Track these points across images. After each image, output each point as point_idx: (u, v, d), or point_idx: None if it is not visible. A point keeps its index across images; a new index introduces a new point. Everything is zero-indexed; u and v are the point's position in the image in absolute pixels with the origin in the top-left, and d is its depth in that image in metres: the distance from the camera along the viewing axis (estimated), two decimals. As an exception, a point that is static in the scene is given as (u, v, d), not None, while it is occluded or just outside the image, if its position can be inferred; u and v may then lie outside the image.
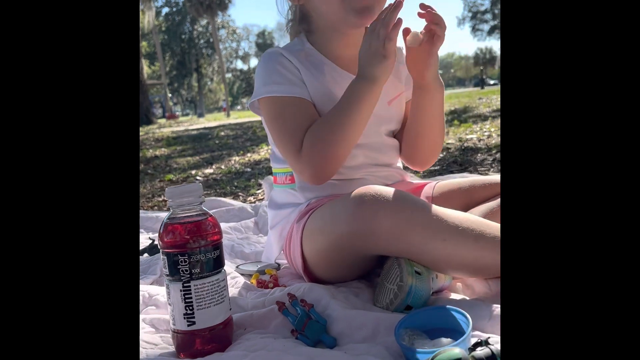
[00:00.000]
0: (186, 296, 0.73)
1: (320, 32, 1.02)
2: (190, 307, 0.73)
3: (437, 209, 0.82)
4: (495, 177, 1.05)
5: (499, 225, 0.83)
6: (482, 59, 59.01)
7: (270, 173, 2.66)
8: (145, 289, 0.99)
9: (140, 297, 0.97)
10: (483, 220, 0.84)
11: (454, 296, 0.85)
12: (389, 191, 0.81)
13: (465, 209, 1.03)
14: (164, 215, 1.80)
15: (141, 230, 1.66)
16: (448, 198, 1.06)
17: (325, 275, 0.95)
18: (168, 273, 0.74)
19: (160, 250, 0.76)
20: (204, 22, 36.38)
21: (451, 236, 0.80)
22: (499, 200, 0.98)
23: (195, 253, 0.73)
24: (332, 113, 0.92)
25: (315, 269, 0.95)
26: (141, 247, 1.39)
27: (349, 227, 0.82)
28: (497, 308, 0.75)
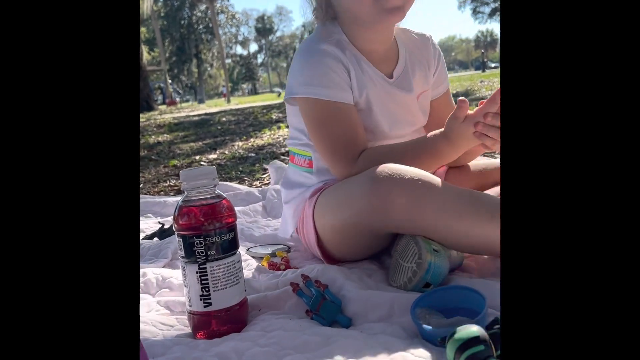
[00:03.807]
0: (202, 278, 0.74)
1: (348, 25, 0.98)
2: (207, 289, 0.74)
3: (452, 186, 0.83)
4: None
5: None
6: (483, 41, 58.63)
7: (275, 158, 2.67)
8: (159, 272, 1.00)
9: (154, 280, 0.97)
10: (498, 198, 0.84)
11: (469, 275, 0.86)
12: (403, 169, 0.82)
13: (480, 189, 1.03)
14: (171, 200, 1.81)
15: (149, 215, 1.67)
16: (461, 182, 1.07)
17: (337, 252, 0.95)
18: (184, 255, 0.75)
19: (176, 233, 0.76)
20: (202, 7, 36.07)
21: (466, 212, 0.80)
22: None
23: (211, 235, 0.73)
24: (402, 151, 0.92)
25: (328, 246, 0.95)
26: (151, 231, 1.40)
27: (364, 203, 0.82)
28: (511, 287, 0.75)
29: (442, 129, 0.91)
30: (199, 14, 40.03)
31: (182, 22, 40.42)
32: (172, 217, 1.43)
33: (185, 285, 0.76)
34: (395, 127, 1.01)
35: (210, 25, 37.41)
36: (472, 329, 0.59)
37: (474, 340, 0.58)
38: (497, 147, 0.87)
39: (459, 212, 0.80)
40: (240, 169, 2.61)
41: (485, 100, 0.85)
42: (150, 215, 1.66)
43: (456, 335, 0.59)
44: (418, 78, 1.04)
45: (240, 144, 3.76)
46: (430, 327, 0.67)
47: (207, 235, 0.73)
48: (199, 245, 0.73)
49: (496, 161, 1.07)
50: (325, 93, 0.92)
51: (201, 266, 0.74)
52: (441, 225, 0.81)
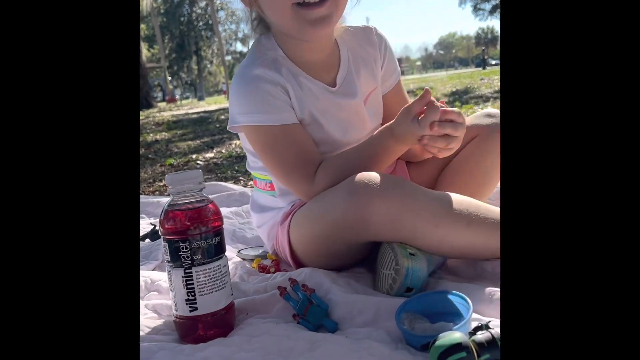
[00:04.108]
0: (188, 282, 0.74)
1: (281, 38, 0.95)
2: (192, 293, 0.74)
3: (429, 193, 0.83)
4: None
5: (491, 207, 0.85)
6: (484, 39, 58.58)
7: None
8: (148, 274, 1.00)
9: (143, 283, 0.97)
10: (475, 202, 0.85)
11: (454, 280, 0.86)
12: (380, 178, 0.81)
13: (443, 163, 1.06)
14: (165, 200, 1.80)
15: (142, 215, 1.67)
16: (425, 162, 1.08)
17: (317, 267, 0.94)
18: (169, 259, 0.75)
19: (162, 237, 0.76)
20: (202, 3, 35.99)
21: (443, 222, 0.81)
22: (475, 142, 1.01)
23: (197, 239, 0.73)
24: (355, 157, 0.91)
25: (308, 263, 0.94)
26: (143, 232, 1.40)
27: (342, 215, 0.82)
28: (497, 292, 0.75)
29: (390, 124, 0.88)
30: (199, 11, 39.91)
31: (182, 19, 40.29)
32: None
33: (171, 290, 0.76)
34: (349, 134, 0.98)
35: (210, 22, 37.32)
36: (455, 336, 0.59)
37: (456, 347, 0.58)
38: (444, 154, 0.86)
39: (436, 220, 0.81)
40: (237, 168, 2.61)
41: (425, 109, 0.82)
42: (143, 215, 1.66)
43: (438, 342, 0.59)
44: (364, 79, 1.00)
45: (238, 142, 3.76)
46: (413, 333, 0.67)
47: (193, 240, 0.73)
48: (185, 250, 0.73)
49: None
50: (266, 118, 0.90)
51: (187, 271, 0.73)
52: (419, 234, 0.82)
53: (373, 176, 0.81)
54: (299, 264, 0.96)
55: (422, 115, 0.83)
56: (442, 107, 0.82)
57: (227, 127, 0.98)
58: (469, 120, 1.03)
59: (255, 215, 1.08)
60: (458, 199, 0.83)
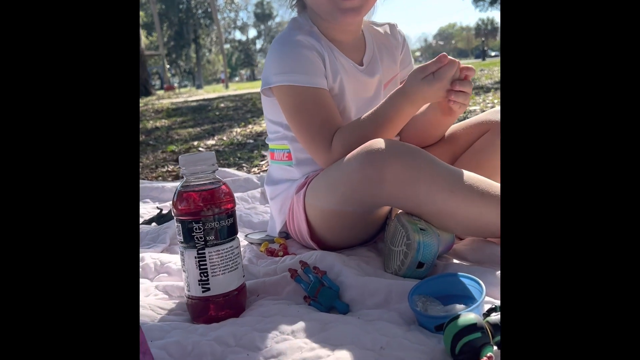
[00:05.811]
0: (201, 263, 0.74)
1: (316, 17, 1.02)
2: (205, 274, 0.74)
3: (444, 163, 0.85)
4: (474, 119, 1.10)
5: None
6: (484, 30, 58.37)
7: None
8: (157, 256, 1.00)
9: (152, 265, 0.97)
10: (487, 179, 0.86)
11: (466, 263, 0.86)
12: (397, 143, 0.84)
13: (452, 156, 1.07)
14: (169, 185, 1.81)
15: (147, 200, 1.67)
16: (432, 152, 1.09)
17: (331, 239, 0.96)
18: (182, 240, 0.75)
19: (175, 218, 0.76)
20: (201, -9, 35.72)
21: (458, 188, 0.82)
22: (485, 138, 1.04)
23: (210, 220, 0.73)
24: (368, 121, 0.93)
25: (322, 233, 0.96)
26: (149, 216, 1.40)
27: (358, 173, 0.83)
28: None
29: (401, 86, 0.92)
30: (198, -1, 39.64)
31: (181, 6, 40.02)
32: (170, 202, 1.43)
33: (183, 270, 0.76)
34: (363, 113, 1.00)
35: (209, 10, 37.08)
36: (469, 317, 0.59)
37: (471, 328, 0.58)
38: (462, 110, 0.91)
39: (451, 186, 0.81)
40: (239, 155, 2.60)
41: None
42: (148, 200, 1.66)
43: (453, 323, 0.59)
44: (386, 63, 1.08)
45: (239, 130, 3.75)
46: (427, 314, 0.67)
47: (206, 221, 0.73)
48: (198, 231, 0.73)
49: (459, 124, 1.11)
50: (300, 79, 0.94)
51: (200, 251, 0.74)
52: (433, 200, 0.82)
53: (389, 140, 0.84)
54: (313, 234, 0.98)
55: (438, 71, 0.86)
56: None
57: (260, 90, 1.03)
58: (481, 116, 1.09)
59: (269, 188, 1.10)
60: (472, 174, 0.85)
